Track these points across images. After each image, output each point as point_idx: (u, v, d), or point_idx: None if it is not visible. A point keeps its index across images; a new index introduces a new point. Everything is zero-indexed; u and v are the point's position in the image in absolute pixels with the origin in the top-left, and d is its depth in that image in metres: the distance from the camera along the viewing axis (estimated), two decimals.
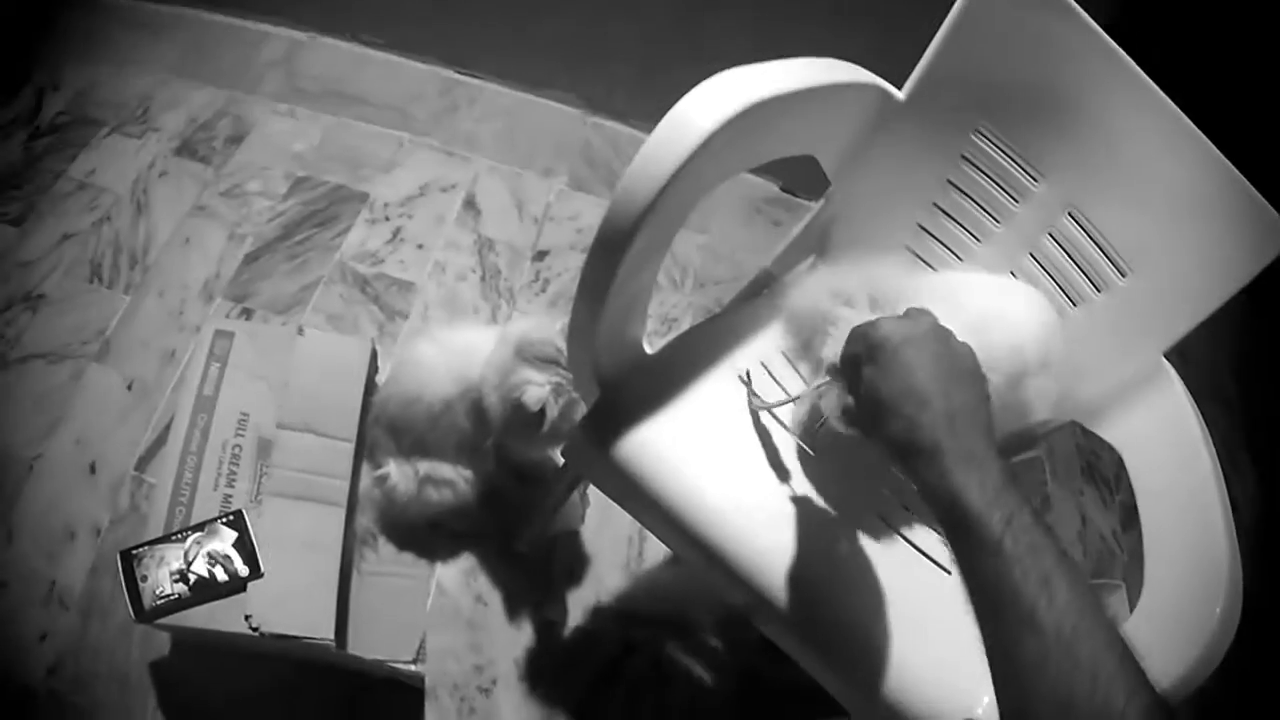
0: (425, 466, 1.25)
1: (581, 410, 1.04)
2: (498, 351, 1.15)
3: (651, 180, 0.69)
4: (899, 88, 0.96)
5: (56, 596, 1.29)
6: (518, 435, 1.17)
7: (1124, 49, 0.89)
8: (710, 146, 0.69)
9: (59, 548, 1.33)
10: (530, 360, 1.11)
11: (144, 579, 1.11)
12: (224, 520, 1.16)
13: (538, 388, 1.08)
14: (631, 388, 0.94)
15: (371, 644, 1.19)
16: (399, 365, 1.30)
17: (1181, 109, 0.88)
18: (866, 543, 0.92)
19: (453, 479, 1.25)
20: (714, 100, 0.71)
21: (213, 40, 2.03)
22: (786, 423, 0.98)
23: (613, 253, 0.72)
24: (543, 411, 1.08)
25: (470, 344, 1.21)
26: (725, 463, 0.92)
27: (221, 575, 1.11)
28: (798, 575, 0.86)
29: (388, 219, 1.75)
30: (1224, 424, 0.89)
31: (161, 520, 1.17)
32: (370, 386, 1.34)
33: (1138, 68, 0.89)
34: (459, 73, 2.01)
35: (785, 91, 0.76)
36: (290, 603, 1.13)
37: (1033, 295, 0.98)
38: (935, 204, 1.05)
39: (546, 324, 1.14)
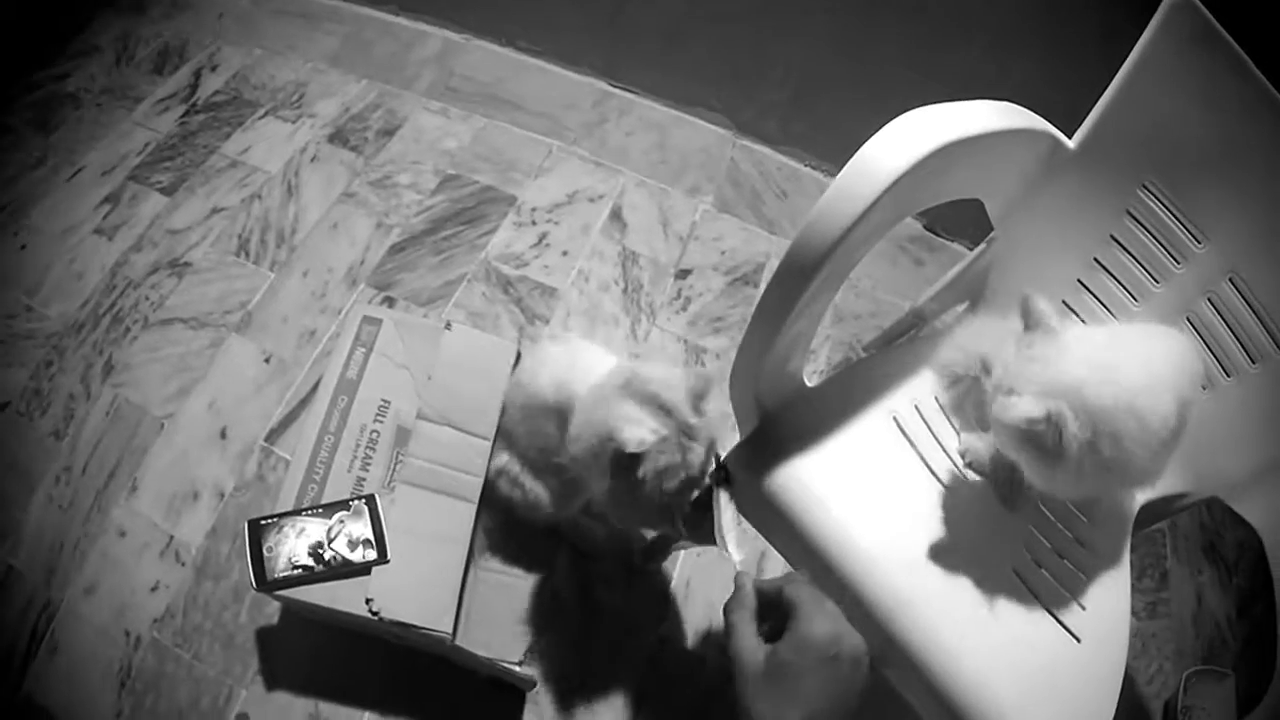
0: (504, 459, 1.27)
1: (678, 481, 0.95)
2: (607, 379, 1.04)
3: (841, 218, 0.72)
4: (1059, 126, 0.98)
5: (173, 551, 1.38)
6: (609, 491, 1.02)
7: None
8: (897, 188, 0.72)
9: (181, 506, 1.42)
10: (637, 398, 0.96)
11: (269, 550, 1.16)
12: (356, 502, 1.21)
13: (638, 426, 0.93)
14: (788, 420, 0.97)
15: (481, 641, 1.21)
16: (522, 362, 1.33)
17: None
18: (1002, 601, 0.92)
19: (521, 480, 1.25)
20: (904, 141, 0.73)
21: (370, 35, 2.17)
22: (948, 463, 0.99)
23: (795, 286, 0.75)
24: (637, 458, 0.92)
25: (590, 361, 1.16)
26: (872, 504, 0.93)
27: (356, 557, 1.16)
28: (932, 624, 0.87)
29: (534, 223, 1.82)
30: None
31: (293, 494, 1.22)
32: None
33: None
34: (612, 85, 2.08)
35: (969, 135, 0.78)
36: (412, 592, 1.16)
37: (1181, 347, 0.93)
38: (1096, 259, 1.05)
39: (672, 372, 0.98)
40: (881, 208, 0.72)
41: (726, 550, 0.91)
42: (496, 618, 1.28)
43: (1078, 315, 1.08)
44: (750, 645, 0.70)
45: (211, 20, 2.19)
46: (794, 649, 0.67)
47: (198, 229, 1.76)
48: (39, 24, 2.14)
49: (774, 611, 0.73)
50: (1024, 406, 0.78)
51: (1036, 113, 0.94)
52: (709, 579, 1.42)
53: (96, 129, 1.95)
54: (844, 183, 0.72)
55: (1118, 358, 0.84)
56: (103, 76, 2.06)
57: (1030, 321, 0.84)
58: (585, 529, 1.37)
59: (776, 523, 0.93)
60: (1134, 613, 1.44)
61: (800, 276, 0.75)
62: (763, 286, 1.72)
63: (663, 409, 0.95)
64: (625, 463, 0.93)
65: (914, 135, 0.74)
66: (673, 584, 1.41)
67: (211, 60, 2.10)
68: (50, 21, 2.16)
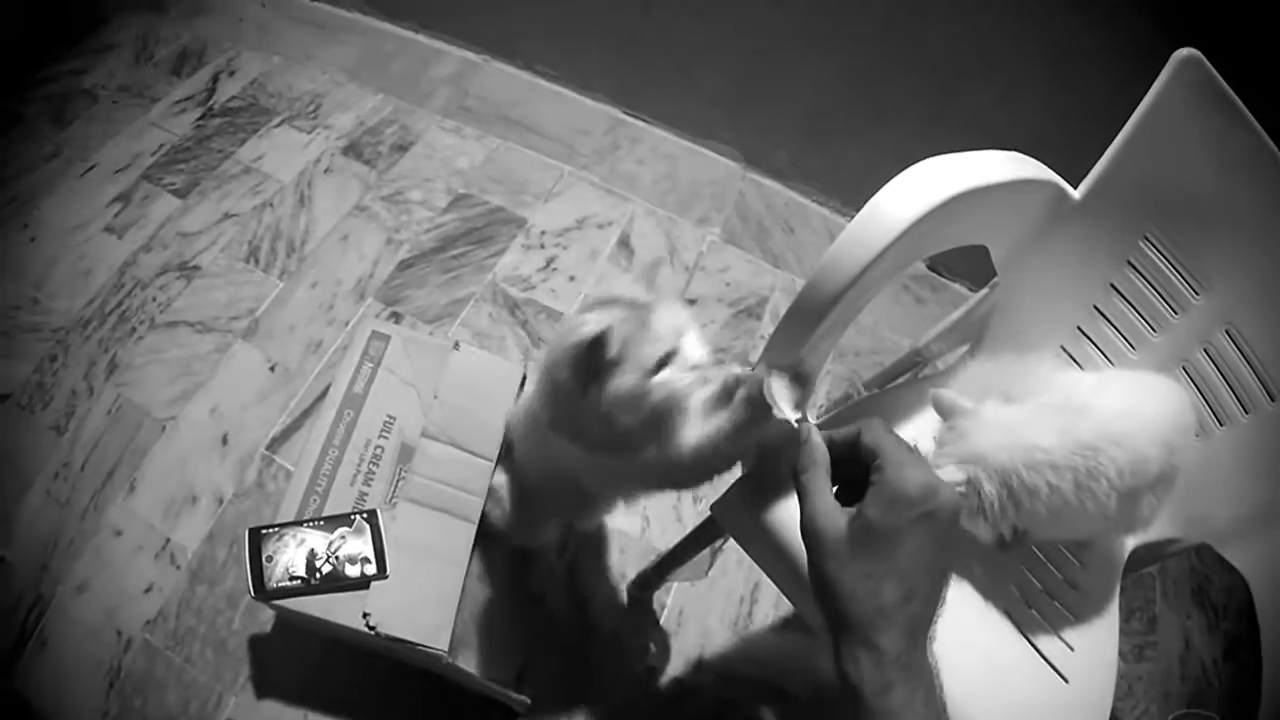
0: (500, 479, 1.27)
1: (644, 353, 0.86)
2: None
3: (852, 263, 0.74)
4: (1066, 173, 0.99)
5: (168, 554, 1.39)
6: (587, 408, 0.89)
7: None
8: (907, 236, 0.74)
9: (179, 509, 1.43)
10: (589, 307, 0.91)
11: (269, 559, 1.16)
12: (358, 516, 1.22)
13: (598, 317, 0.86)
14: (789, 457, 0.98)
15: (476, 660, 1.22)
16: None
17: None
18: (992, 639, 0.94)
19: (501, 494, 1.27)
20: (915, 191, 0.75)
21: (389, 49, 2.19)
22: None
23: (805, 327, 0.77)
24: (601, 342, 0.83)
25: None
26: None
27: (355, 571, 1.17)
28: None
29: (543, 247, 1.84)
30: None
31: (295, 505, 1.22)
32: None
33: None
34: (626, 113, 2.11)
35: (979, 185, 0.80)
36: (410, 608, 1.17)
37: (1172, 396, 0.96)
38: (1096, 307, 1.07)
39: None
40: (892, 254, 0.74)
41: (778, 407, 0.75)
42: (492, 638, 1.29)
43: (1076, 362, 1.10)
44: (828, 508, 0.59)
45: (232, 24, 2.22)
46: (884, 506, 0.56)
47: (208, 233, 1.77)
48: (59, 17, 2.16)
49: (850, 467, 0.61)
50: (947, 473, 0.84)
51: (1046, 160, 0.96)
52: (702, 609, 1.44)
53: (111, 126, 1.97)
54: (856, 229, 0.74)
55: (1030, 424, 0.88)
56: (121, 74, 2.08)
57: (944, 413, 0.91)
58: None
59: (774, 558, 0.94)
60: (1121, 655, 1.44)
61: (811, 318, 0.77)
62: (766, 320, 1.75)
63: (613, 300, 0.90)
64: (591, 357, 0.85)
65: (925, 185, 0.76)
66: (665, 613, 1.43)
67: (230, 65, 2.13)
68: (70, 15, 2.18)
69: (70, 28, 2.16)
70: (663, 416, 0.90)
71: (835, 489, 0.61)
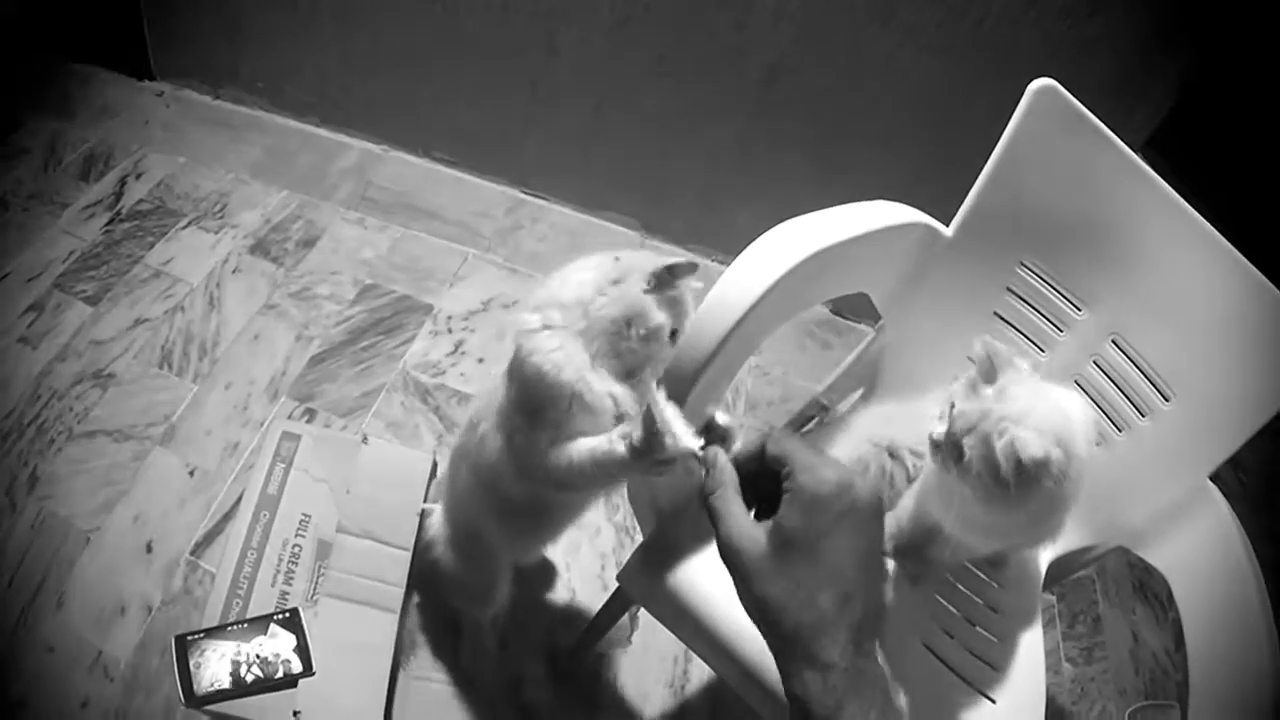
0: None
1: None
2: None
3: (714, 332, 0.80)
4: (945, 214, 1.06)
5: (101, 666, 1.41)
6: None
7: (1161, 172, 0.97)
8: (771, 296, 0.80)
9: (109, 620, 1.45)
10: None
11: (197, 665, 1.22)
12: (280, 616, 1.28)
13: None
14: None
15: None
16: None
17: (1219, 229, 0.95)
18: (912, 675, 0.97)
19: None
20: (775, 253, 0.81)
21: (291, 145, 2.27)
22: None
23: (676, 395, 0.81)
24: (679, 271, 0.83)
25: None
26: None
27: (281, 671, 1.22)
28: None
29: (450, 331, 1.92)
30: None
31: (219, 609, 1.28)
32: (428, 498, 1.46)
33: (1174, 193, 0.97)
34: (525, 192, 2.22)
35: (842, 240, 0.87)
36: (339, 701, 1.23)
37: (1080, 403, 0.95)
38: (983, 336, 1.15)
39: None
40: (755, 317, 0.80)
41: (677, 442, 0.69)
42: None
43: None
44: (742, 527, 0.56)
45: (138, 127, 2.28)
46: (801, 511, 0.54)
47: (121, 339, 1.82)
48: None
49: (761, 481, 0.59)
50: (1033, 444, 0.77)
51: (926, 202, 1.02)
52: (638, 673, 1.49)
53: (24, 234, 2.00)
54: (718, 298, 0.81)
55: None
56: (30, 181, 2.12)
57: (997, 365, 0.85)
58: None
59: (680, 619, 0.99)
60: (1070, 659, 1.55)
61: (680, 388, 0.83)
62: None
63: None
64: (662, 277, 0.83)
65: (785, 247, 0.82)
66: (602, 682, 1.48)
67: (137, 168, 2.18)
68: None
69: None
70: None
71: (754, 510, 0.60)
